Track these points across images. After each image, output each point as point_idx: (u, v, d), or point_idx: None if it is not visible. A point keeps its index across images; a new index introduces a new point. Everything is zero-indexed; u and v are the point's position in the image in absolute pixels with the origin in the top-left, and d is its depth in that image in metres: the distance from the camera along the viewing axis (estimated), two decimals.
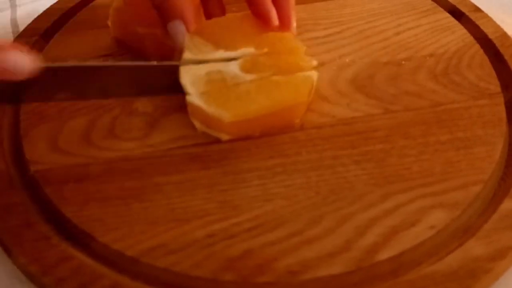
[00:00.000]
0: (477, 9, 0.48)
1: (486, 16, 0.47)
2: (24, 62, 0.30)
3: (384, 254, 0.31)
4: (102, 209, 0.33)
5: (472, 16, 0.47)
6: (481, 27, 0.46)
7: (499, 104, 0.39)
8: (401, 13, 0.48)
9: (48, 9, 0.49)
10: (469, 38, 0.45)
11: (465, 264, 0.31)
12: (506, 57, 0.43)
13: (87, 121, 0.39)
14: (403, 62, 0.43)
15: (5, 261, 0.33)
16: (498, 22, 0.46)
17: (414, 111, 0.39)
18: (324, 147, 0.37)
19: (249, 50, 0.38)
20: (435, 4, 0.48)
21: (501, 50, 0.44)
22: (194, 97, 0.36)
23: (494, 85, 0.41)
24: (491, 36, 0.45)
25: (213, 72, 0.37)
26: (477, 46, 0.44)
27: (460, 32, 0.46)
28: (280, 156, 0.36)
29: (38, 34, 0.47)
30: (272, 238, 0.32)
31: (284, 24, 0.39)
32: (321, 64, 0.41)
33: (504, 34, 0.45)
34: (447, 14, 0.47)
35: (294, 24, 0.40)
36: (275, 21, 0.39)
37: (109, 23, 0.45)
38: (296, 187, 0.35)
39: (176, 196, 0.34)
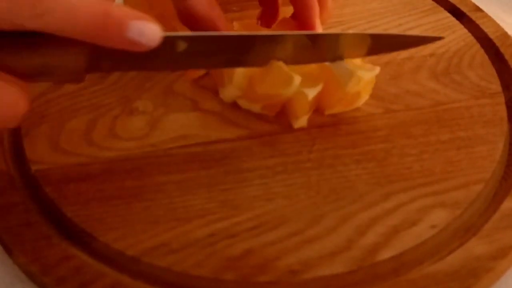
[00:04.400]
0: (478, 9, 0.48)
1: (486, 15, 0.47)
2: (155, 33, 0.28)
3: (385, 254, 0.31)
4: (103, 209, 0.33)
5: (473, 15, 0.47)
6: (482, 26, 0.46)
7: (500, 103, 0.39)
8: (402, 12, 0.48)
9: None
10: (469, 37, 0.45)
11: (467, 263, 0.31)
12: (507, 57, 0.43)
13: (88, 120, 0.39)
14: (404, 61, 0.43)
15: (6, 261, 0.33)
16: (499, 21, 0.46)
17: (415, 111, 0.39)
18: (325, 146, 0.37)
19: None
20: (436, 4, 0.48)
21: (502, 49, 0.44)
22: None
23: (495, 85, 0.41)
24: (491, 35, 0.45)
25: None
26: (478, 45, 0.44)
27: (460, 31, 0.46)
28: (281, 155, 0.36)
29: None
30: (273, 237, 0.32)
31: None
32: None
33: (505, 34, 0.45)
34: (448, 14, 0.47)
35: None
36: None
37: None
38: (297, 186, 0.35)
39: (177, 195, 0.34)
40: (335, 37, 0.36)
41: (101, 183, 0.35)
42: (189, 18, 0.35)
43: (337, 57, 0.36)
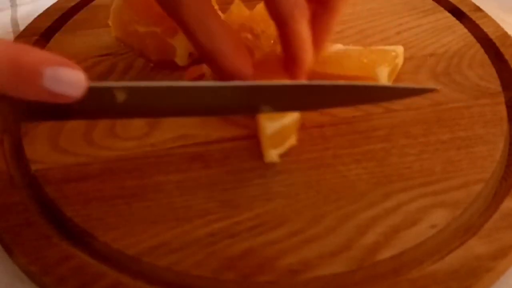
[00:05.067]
0: (478, 9, 0.48)
1: (486, 15, 0.47)
2: (78, 81, 0.24)
3: (385, 253, 0.31)
4: (103, 208, 0.33)
5: (473, 15, 0.47)
6: (482, 26, 0.46)
7: (500, 103, 0.39)
8: (402, 12, 0.48)
9: (48, 8, 0.49)
10: (469, 37, 0.45)
11: (467, 263, 0.31)
12: (507, 57, 0.43)
13: (88, 120, 0.39)
14: (404, 61, 0.43)
15: (6, 261, 0.33)
16: (499, 21, 0.46)
17: (415, 110, 0.39)
18: (325, 146, 0.37)
19: None
20: (436, 4, 0.49)
21: (502, 49, 0.44)
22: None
23: (495, 85, 0.41)
24: (491, 35, 0.45)
25: None
26: (478, 45, 0.44)
27: (460, 31, 0.46)
28: (281, 155, 0.36)
29: (38, 33, 0.47)
30: (273, 237, 0.32)
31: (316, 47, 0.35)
32: None
33: (505, 34, 0.45)
34: (448, 14, 0.47)
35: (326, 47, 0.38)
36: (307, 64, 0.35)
37: (110, 22, 0.45)
38: (297, 186, 0.34)
39: (177, 195, 0.34)
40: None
41: (101, 183, 0.35)
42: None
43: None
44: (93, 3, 0.50)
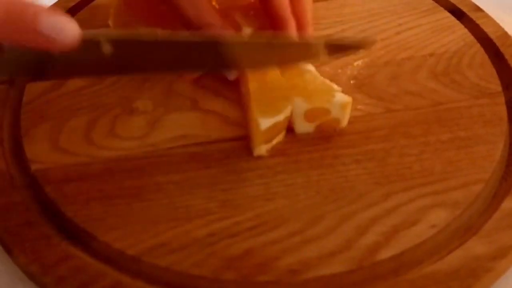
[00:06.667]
0: (478, 9, 0.48)
1: (486, 15, 0.47)
2: (69, 30, 0.26)
3: (385, 253, 0.31)
4: (103, 208, 0.33)
5: (473, 15, 0.47)
6: (482, 26, 0.46)
7: (500, 103, 0.39)
8: (402, 12, 0.48)
9: None
10: (469, 37, 0.45)
11: (466, 263, 0.31)
12: (507, 57, 0.43)
13: (88, 120, 0.39)
14: (403, 61, 0.43)
15: (6, 261, 0.33)
16: (498, 21, 0.46)
17: (414, 111, 0.39)
18: (325, 146, 0.37)
19: None
20: (436, 4, 0.48)
21: (502, 49, 0.44)
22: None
23: (495, 85, 0.41)
24: (491, 35, 0.45)
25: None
26: (478, 45, 0.44)
27: (460, 31, 0.46)
28: (281, 155, 0.36)
29: None
30: (273, 237, 0.32)
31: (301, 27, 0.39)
32: (321, 64, 0.41)
33: (505, 34, 0.45)
34: (448, 14, 0.47)
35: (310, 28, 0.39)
36: (292, 31, 0.38)
37: (110, 22, 0.45)
38: (297, 186, 0.35)
39: (177, 195, 0.34)
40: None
41: (101, 183, 0.35)
42: None
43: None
44: (93, 3, 0.50)
